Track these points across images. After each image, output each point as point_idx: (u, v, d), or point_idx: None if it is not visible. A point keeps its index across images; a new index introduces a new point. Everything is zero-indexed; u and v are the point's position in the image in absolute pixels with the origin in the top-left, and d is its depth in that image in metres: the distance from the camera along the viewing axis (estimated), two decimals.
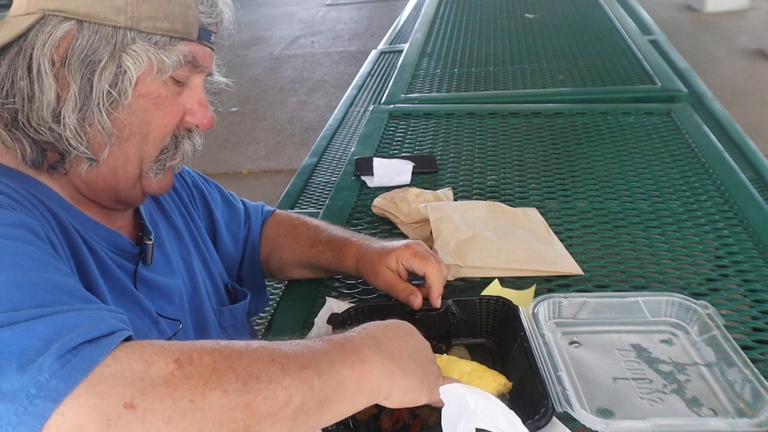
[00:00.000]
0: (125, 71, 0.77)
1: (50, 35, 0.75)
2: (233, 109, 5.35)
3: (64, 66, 0.75)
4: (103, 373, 0.51)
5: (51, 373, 0.50)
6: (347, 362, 0.65)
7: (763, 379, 0.82)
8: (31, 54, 0.75)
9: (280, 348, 0.62)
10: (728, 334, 0.90)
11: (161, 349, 0.56)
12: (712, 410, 0.82)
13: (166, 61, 0.79)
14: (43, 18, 0.75)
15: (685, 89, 1.97)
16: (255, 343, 0.61)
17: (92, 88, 0.76)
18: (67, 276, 0.64)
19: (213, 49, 0.87)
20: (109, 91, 0.76)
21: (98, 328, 0.55)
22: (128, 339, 0.57)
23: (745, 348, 0.89)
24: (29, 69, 0.75)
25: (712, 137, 1.63)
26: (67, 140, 0.77)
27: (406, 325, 0.78)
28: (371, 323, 0.75)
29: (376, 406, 0.85)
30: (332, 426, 0.75)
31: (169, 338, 0.88)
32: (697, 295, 1.01)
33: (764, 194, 1.69)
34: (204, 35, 0.83)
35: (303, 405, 0.59)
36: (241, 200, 1.21)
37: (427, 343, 0.79)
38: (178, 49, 0.80)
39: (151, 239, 0.91)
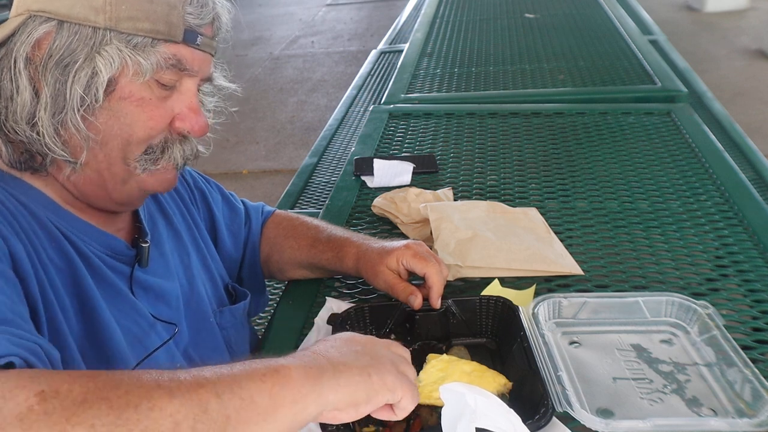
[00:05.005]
0: (97, 73, 0.75)
1: (29, 35, 0.74)
2: (233, 109, 5.35)
3: (40, 68, 0.75)
4: None
5: None
6: (256, 375, 0.59)
7: (763, 379, 0.82)
8: (13, 54, 0.75)
9: (175, 373, 0.56)
10: (728, 334, 0.90)
11: (29, 380, 0.50)
12: (712, 410, 0.82)
13: (143, 63, 0.76)
14: (28, 18, 0.75)
15: (685, 89, 1.97)
16: (146, 371, 0.55)
17: (67, 91, 0.74)
18: None
19: (211, 54, 0.84)
20: (82, 95, 0.74)
21: None
22: (9, 365, 0.53)
23: (745, 348, 0.89)
24: (10, 69, 0.75)
25: (712, 137, 1.63)
26: (43, 143, 0.75)
27: (350, 334, 0.73)
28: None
29: None
30: (332, 426, 0.75)
31: (166, 342, 0.88)
32: (697, 295, 1.01)
33: (764, 194, 1.70)
34: (190, 37, 0.79)
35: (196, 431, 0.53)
36: (242, 201, 1.21)
37: (382, 340, 0.74)
38: (159, 51, 0.77)
39: (147, 241, 0.90)
